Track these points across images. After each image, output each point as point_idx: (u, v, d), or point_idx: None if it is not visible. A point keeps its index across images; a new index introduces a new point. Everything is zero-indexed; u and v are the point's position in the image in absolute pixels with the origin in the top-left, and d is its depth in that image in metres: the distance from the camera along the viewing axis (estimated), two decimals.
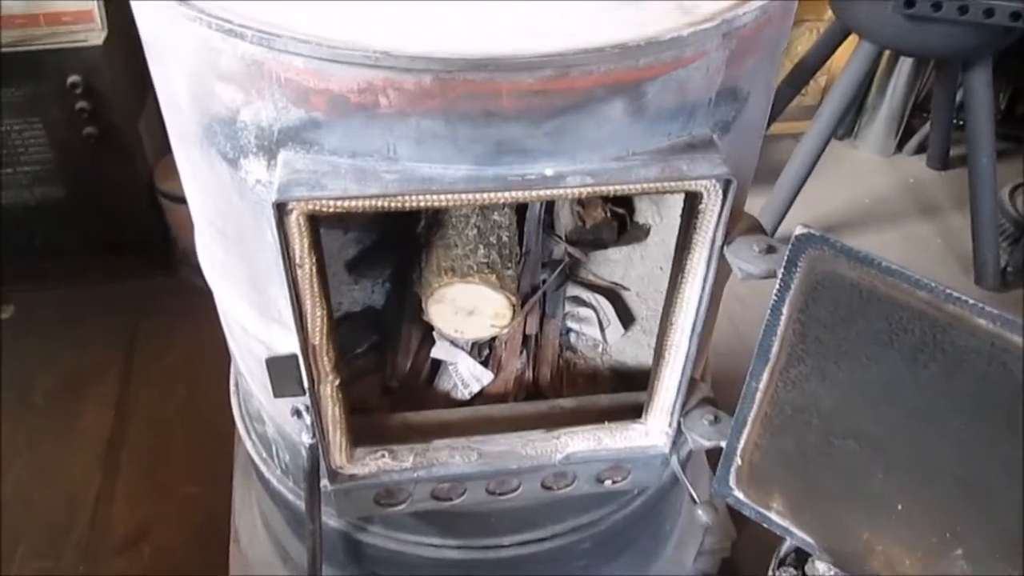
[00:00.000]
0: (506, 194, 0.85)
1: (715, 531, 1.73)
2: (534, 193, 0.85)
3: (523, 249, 1.30)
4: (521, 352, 1.29)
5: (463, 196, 0.84)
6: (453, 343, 1.25)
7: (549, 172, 0.85)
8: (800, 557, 1.65)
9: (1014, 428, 0.79)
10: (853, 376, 0.88)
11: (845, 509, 0.98)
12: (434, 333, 1.26)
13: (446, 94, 0.79)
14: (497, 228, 1.20)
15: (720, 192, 0.88)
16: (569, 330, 1.37)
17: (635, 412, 1.18)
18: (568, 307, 1.37)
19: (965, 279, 3.07)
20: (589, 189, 0.86)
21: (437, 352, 1.25)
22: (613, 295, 1.37)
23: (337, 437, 1.09)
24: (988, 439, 0.81)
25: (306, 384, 0.99)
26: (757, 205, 3.01)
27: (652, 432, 1.15)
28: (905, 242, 3.23)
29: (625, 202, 1.35)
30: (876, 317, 0.81)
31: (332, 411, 1.05)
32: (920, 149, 3.59)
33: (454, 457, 1.14)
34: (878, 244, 3.19)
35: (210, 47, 0.82)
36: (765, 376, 0.94)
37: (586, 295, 1.37)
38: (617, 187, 0.86)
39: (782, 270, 0.85)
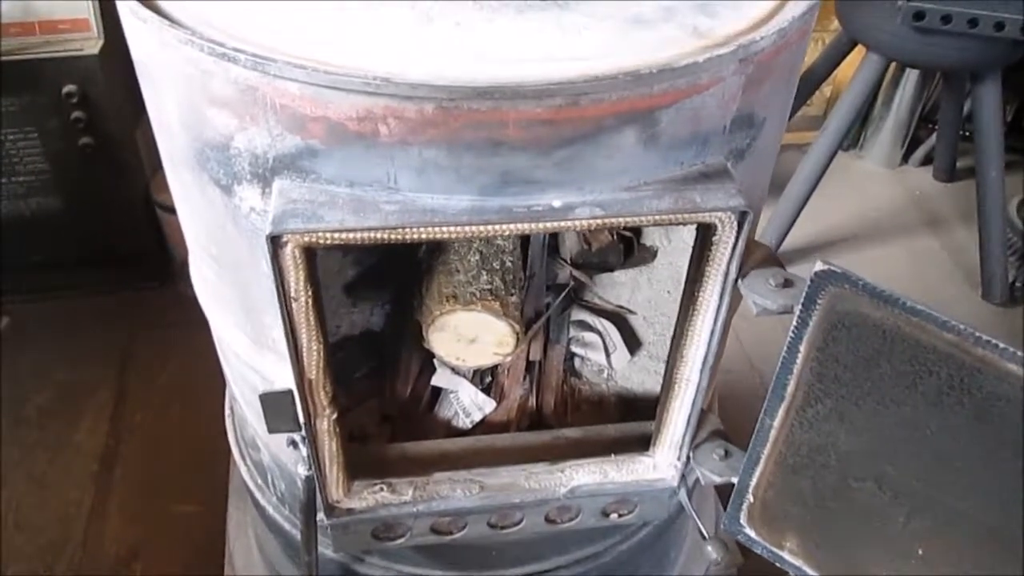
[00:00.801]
0: (512, 226, 0.81)
1: (723, 560, 1.69)
2: (541, 225, 0.82)
3: (527, 273, 1.26)
4: (524, 379, 1.25)
5: (467, 229, 0.80)
6: (454, 370, 1.22)
7: (557, 203, 0.81)
8: None
9: None
10: (874, 418, 0.84)
11: (862, 553, 0.95)
12: (435, 360, 1.22)
13: (450, 123, 0.75)
14: (500, 253, 1.16)
15: (735, 224, 0.84)
16: (574, 356, 1.33)
17: (642, 442, 1.15)
18: (573, 332, 1.33)
19: (972, 293, 3.03)
20: (599, 221, 0.82)
21: (438, 380, 1.21)
22: (619, 319, 1.34)
23: (334, 471, 1.05)
24: (1015, 486, 0.78)
25: (302, 420, 0.95)
26: (763, 217, 2.97)
27: (660, 465, 1.11)
28: (911, 256, 3.19)
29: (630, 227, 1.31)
30: (900, 358, 0.77)
31: (329, 445, 1.01)
32: (926, 161, 3.56)
33: (455, 490, 1.10)
34: (884, 257, 3.15)
35: (202, 71, 0.79)
36: (780, 414, 0.90)
37: (591, 319, 1.33)
38: (628, 219, 0.82)
39: (800, 307, 0.82)
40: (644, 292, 1.34)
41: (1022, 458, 0.76)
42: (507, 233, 0.81)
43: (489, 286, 1.11)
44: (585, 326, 1.32)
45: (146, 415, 2.32)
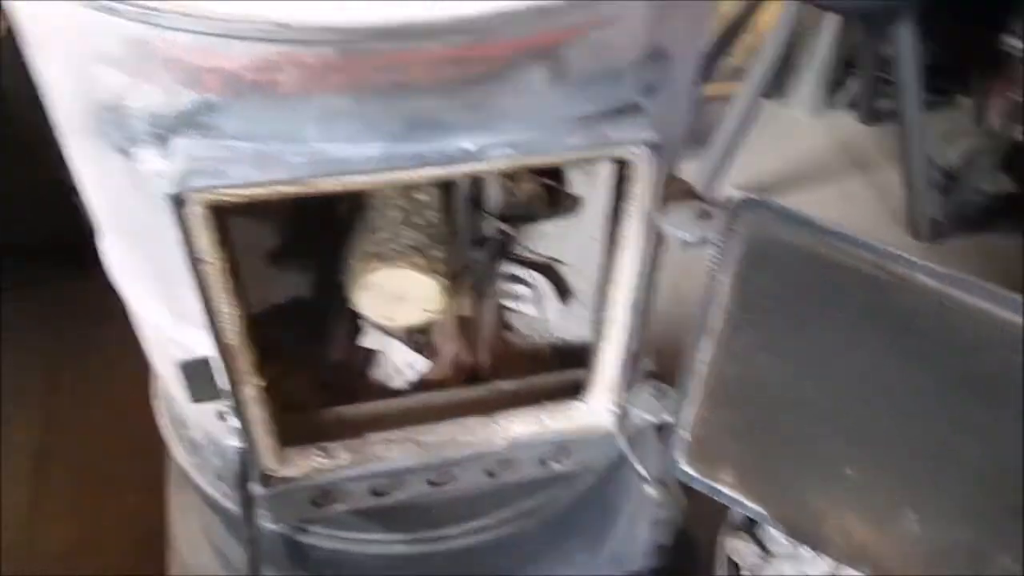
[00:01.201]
0: (425, 171, 0.79)
1: (667, 502, 1.71)
2: (455, 169, 0.80)
3: (452, 228, 1.24)
4: (457, 336, 1.24)
5: (377, 177, 0.79)
6: (385, 331, 1.20)
7: (470, 146, 0.79)
8: (751, 520, 1.64)
9: (964, 387, 0.76)
10: (799, 344, 0.84)
11: (796, 479, 0.96)
12: (364, 322, 1.20)
13: (351, 68, 0.73)
14: (423, 208, 1.14)
15: (649, 157, 0.84)
16: (506, 309, 1.32)
17: (578, 389, 1.14)
18: (503, 285, 1.32)
19: (900, 232, 3.10)
20: (513, 162, 0.80)
21: (368, 341, 1.19)
22: (549, 270, 1.33)
23: (265, 440, 1.03)
24: (938, 400, 0.79)
25: (226, 387, 0.93)
26: (693, 168, 2.99)
27: (596, 411, 1.11)
28: (840, 198, 3.25)
29: (555, 173, 1.30)
30: (821, 282, 0.78)
31: (257, 413, 0.99)
32: (851, 105, 3.61)
33: (391, 451, 1.09)
34: (814, 202, 3.20)
35: (87, 27, 0.75)
36: (708, 348, 0.90)
37: (521, 272, 1.32)
38: (543, 158, 0.81)
39: (720, 237, 0.81)
40: (573, 241, 1.33)
41: (942, 370, 0.77)
42: (421, 179, 0.79)
43: (412, 242, 1.09)
44: (515, 279, 1.31)
45: (79, 408, 2.26)
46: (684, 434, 1.01)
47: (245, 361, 0.93)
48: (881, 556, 0.95)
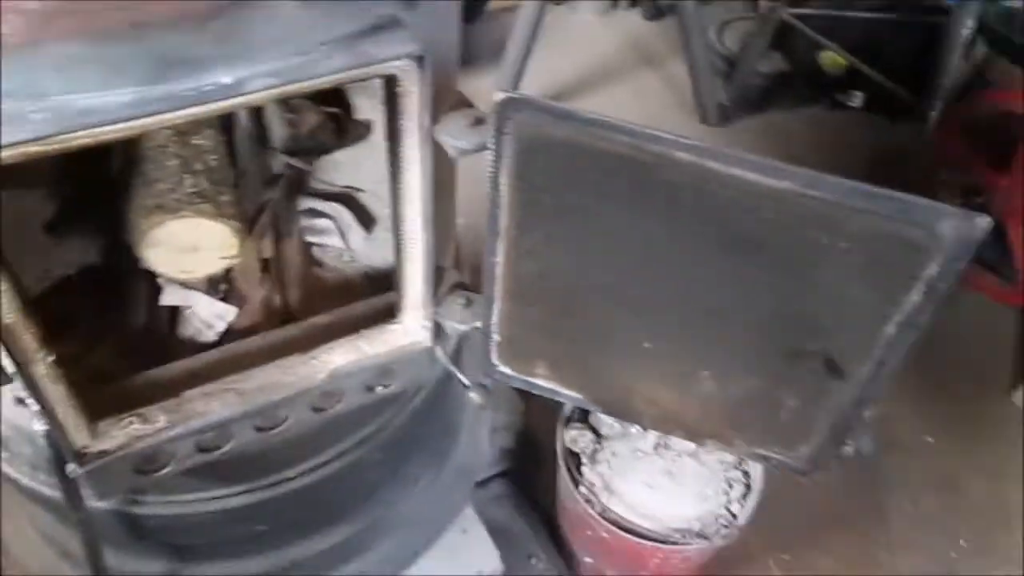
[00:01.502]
0: (183, 112, 0.76)
1: (503, 407, 1.77)
2: (215, 106, 0.78)
3: (238, 170, 1.20)
4: (264, 278, 1.22)
5: (133, 124, 0.75)
6: (185, 285, 1.16)
7: (227, 80, 0.77)
8: (584, 410, 1.74)
9: (729, 249, 0.83)
10: (582, 233, 0.89)
11: (602, 359, 1.02)
12: (162, 279, 1.16)
13: (80, 10, 0.69)
14: (202, 153, 1.10)
15: (416, 71, 0.84)
16: (311, 245, 1.30)
17: (394, 313, 1.16)
18: (305, 221, 1.30)
19: (692, 119, 3.26)
20: (275, 91, 0.79)
21: (168, 298, 1.15)
22: (349, 200, 1.32)
23: (70, 417, 0.98)
24: (709, 265, 0.85)
25: (10, 368, 0.88)
26: (489, 83, 3.01)
27: (411, 329, 1.13)
28: (634, 94, 3.37)
29: (340, 100, 1.28)
30: (589, 170, 0.82)
31: (56, 391, 0.94)
32: (633, 3, 3.71)
33: (211, 404, 1.07)
34: (610, 100, 3.31)
35: None
36: (501, 251, 0.94)
37: (321, 205, 1.30)
38: (306, 84, 0.80)
39: (492, 140, 0.84)
40: (367, 168, 1.32)
41: (708, 237, 0.83)
42: (180, 120, 0.76)
43: (195, 189, 1.05)
44: (316, 213, 1.30)
45: None
46: (495, 336, 1.05)
47: (30, 339, 0.88)
48: (687, 418, 1.04)
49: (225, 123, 1.23)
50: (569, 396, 1.09)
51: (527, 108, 0.80)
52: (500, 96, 0.80)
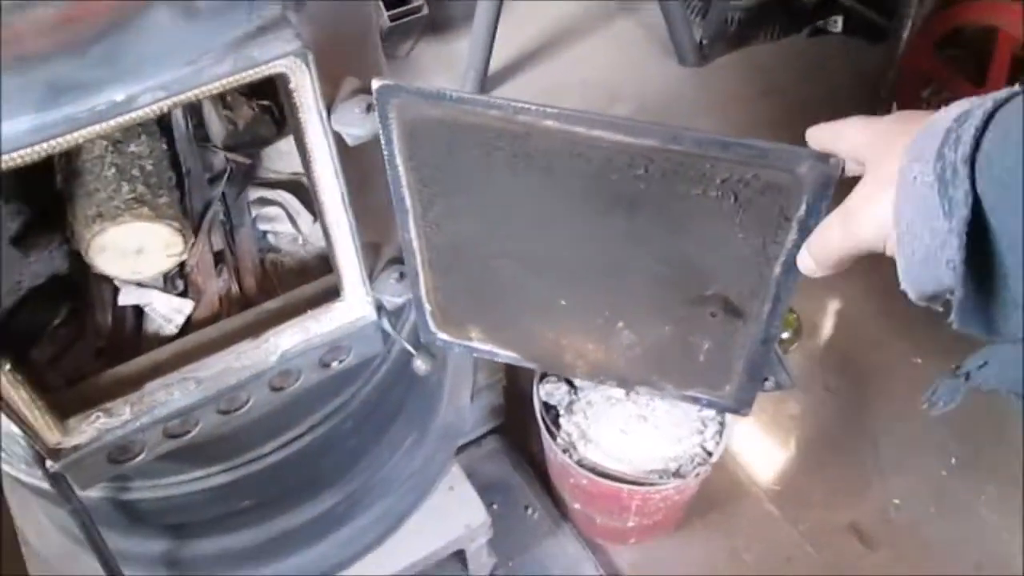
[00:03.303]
0: (81, 133, 0.82)
1: (483, 365, 1.83)
2: (112, 123, 0.83)
3: (184, 170, 1.26)
4: (216, 271, 1.28)
5: (36, 149, 0.81)
6: (140, 284, 1.23)
7: (119, 97, 0.82)
8: None
9: (611, 207, 0.87)
10: (479, 203, 0.93)
11: (526, 319, 1.07)
12: (117, 281, 1.23)
13: None
14: (137, 159, 1.16)
15: (304, 67, 0.89)
16: (265, 233, 1.36)
17: (338, 292, 1.21)
18: (255, 211, 1.36)
19: (671, 61, 3.25)
20: (167, 102, 0.84)
21: (125, 298, 1.22)
22: (296, 186, 1.37)
23: (39, 418, 1.06)
24: (598, 223, 0.90)
25: None
26: (462, 48, 3.03)
27: (355, 305, 1.19)
28: (614, 42, 3.36)
29: (272, 94, 1.33)
30: (469, 145, 0.86)
31: (18, 396, 1.02)
32: None
33: (172, 393, 1.14)
34: (591, 50, 3.31)
35: None
36: (412, 226, 0.99)
37: (270, 194, 1.36)
38: (195, 92, 0.85)
39: (380, 125, 0.88)
40: None
41: (590, 197, 0.88)
42: (79, 141, 0.82)
43: (132, 195, 1.11)
44: (265, 202, 1.35)
45: None
46: (427, 306, 1.11)
47: None
48: (615, 367, 1.09)
49: (166, 128, 1.30)
50: (508, 356, 1.14)
51: (401, 93, 0.84)
52: (375, 84, 0.84)
